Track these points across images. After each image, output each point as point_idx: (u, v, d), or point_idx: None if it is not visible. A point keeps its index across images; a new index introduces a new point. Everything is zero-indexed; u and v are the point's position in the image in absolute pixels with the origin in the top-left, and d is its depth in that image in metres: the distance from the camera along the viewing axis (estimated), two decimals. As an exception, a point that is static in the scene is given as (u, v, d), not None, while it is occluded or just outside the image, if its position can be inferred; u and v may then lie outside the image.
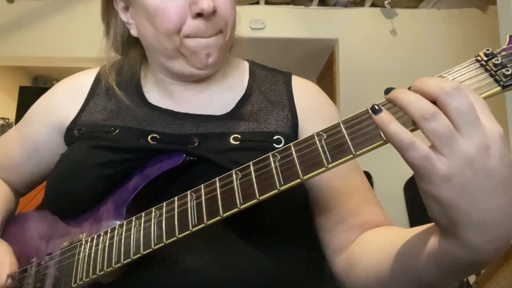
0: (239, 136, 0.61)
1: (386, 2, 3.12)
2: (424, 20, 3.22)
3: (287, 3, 3.28)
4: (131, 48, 0.73)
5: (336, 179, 0.62)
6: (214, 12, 0.60)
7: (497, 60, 0.39)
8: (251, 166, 0.46)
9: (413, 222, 2.85)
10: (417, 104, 0.36)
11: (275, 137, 0.63)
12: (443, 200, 0.36)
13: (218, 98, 0.70)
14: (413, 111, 0.36)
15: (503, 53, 0.40)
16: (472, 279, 2.23)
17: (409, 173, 2.93)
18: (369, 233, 0.58)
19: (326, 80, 3.61)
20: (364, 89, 2.98)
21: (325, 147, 0.42)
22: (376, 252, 0.52)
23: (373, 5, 3.25)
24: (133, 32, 0.68)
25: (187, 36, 0.61)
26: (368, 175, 2.90)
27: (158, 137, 0.63)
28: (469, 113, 0.34)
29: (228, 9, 0.63)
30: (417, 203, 2.90)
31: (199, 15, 0.60)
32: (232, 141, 0.61)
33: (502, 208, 0.36)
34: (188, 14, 0.60)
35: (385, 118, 0.37)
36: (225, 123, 0.64)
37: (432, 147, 0.36)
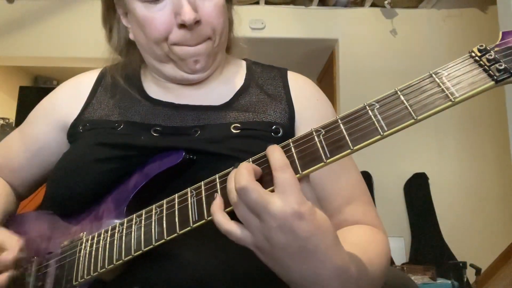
0: (239, 125, 0.63)
1: (386, 2, 3.12)
2: (424, 20, 3.22)
3: (287, 3, 3.28)
4: (132, 50, 0.75)
5: (323, 179, 0.64)
6: (197, 22, 0.62)
7: (490, 55, 0.40)
8: (250, 162, 0.46)
9: (413, 222, 2.85)
10: (228, 192, 0.44)
11: (273, 127, 0.65)
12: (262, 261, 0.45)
13: (217, 90, 0.71)
14: (229, 199, 0.44)
15: (496, 49, 0.41)
16: (472, 279, 2.23)
17: (409, 173, 2.96)
18: (340, 231, 0.62)
19: (326, 80, 3.61)
20: (364, 89, 2.98)
21: (323, 142, 0.43)
22: None
23: (373, 5, 3.25)
24: (131, 36, 0.71)
25: (175, 44, 0.64)
26: (368, 175, 2.90)
27: (160, 129, 0.64)
28: (255, 205, 0.41)
29: (214, 17, 0.64)
30: (417, 203, 2.90)
31: (182, 25, 0.62)
32: (232, 130, 0.63)
33: (306, 272, 0.42)
34: (174, 23, 0.62)
35: (216, 205, 0.46)
36: (225, 113, 0.66)
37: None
